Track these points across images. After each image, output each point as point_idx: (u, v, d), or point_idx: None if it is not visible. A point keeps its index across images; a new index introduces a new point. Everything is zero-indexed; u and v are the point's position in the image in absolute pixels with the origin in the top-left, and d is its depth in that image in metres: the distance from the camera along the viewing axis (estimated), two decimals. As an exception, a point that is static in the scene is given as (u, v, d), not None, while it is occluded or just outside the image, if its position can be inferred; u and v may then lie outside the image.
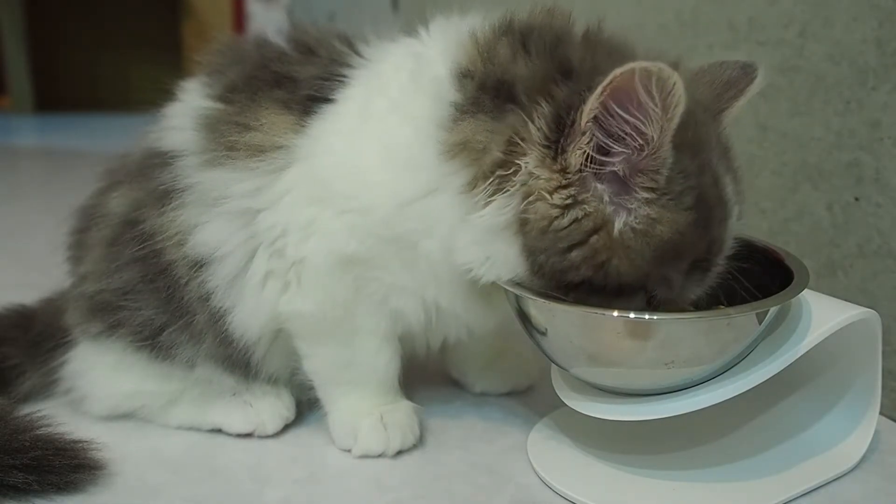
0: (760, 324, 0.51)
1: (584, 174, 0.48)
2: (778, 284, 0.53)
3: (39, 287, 0.75)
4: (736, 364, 0.53)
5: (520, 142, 0.49)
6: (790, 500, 0.53)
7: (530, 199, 0.49)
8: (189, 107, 0.61)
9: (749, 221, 0.82)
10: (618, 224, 0.48)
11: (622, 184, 0.48)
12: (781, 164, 0.77)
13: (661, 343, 0.50)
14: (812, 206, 0.74)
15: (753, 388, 0.52)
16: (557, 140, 0.48)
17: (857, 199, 0.69)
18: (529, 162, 0.49)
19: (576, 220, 0.48)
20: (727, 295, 0.61)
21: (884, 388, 0.58)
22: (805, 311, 0.55)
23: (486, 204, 0.50)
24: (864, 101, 0.68)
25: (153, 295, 0.60)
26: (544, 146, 0.49)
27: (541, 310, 0.53)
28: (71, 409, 0.65)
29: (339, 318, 0.58)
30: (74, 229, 0.67)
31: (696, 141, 0.50)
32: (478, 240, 0.51)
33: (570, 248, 0.49)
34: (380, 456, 0.59)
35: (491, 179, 0.50)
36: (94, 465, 0.56)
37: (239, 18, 3.47)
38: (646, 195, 0.48)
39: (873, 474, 0.57)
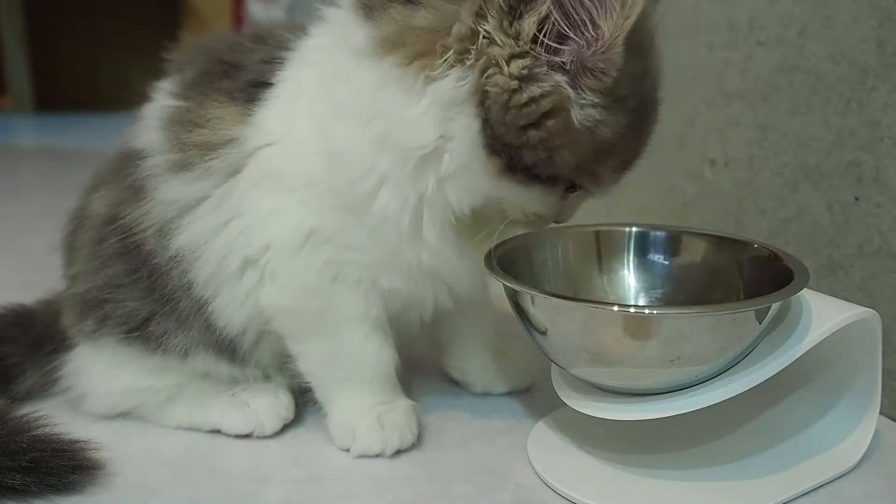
0: (761, 322, 0.51)
1: (539, 49, 0.48)
2: (777, 285, 0.53)
3: (40, 287, 0.75)
4: (736, 363, 0.53)
5: (483, 8, 0.48)
6: (790, 500, 0.53)
7: (489, 71, 0.49)
8: (157, 106, 0.62)
9: (749, 221, 0.82)
10: (572, 114, 0.49)
11: (572, 77, 0.49)
12: (781, 164, 0.77)
13: (665, 339, 0.50)
14: (812, 206, 0.74)
15: (753, 387, 0.52)
16: (518, 6, 0.48)
17: (857, 199, 0.69)
18: (489, 26, 0.48)
19: (533, 99, 0.48)
20: (726, 296, 0.62)
21: (884, 388, 0.58)
22: (805, 310, 0.55)
23: (445, 76, 0.49)
24: (864, 101, 0.68)
25: (136, 285, 0.60)
26: (504, 11, 0.48)
27: (542, 306, 0.53)
28: (70, 408, 0.65)
29: (318, 309, 0.58)
30: (66, 232, 0.67)
31: (645, 43, 0.50)
32: (435, 114, 0.50)
33: (527, 128, 0.49)
34: (378, 456, 0.59)
35: (451, 52, 0.49)
36: (93, 466, 0.56)
37: (239, 18, 3.47)
38: (592, 95, 0.49)
39: (873, 474, 0.57)
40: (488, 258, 0.58)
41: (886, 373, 0.62)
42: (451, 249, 0.57)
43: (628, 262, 0.65)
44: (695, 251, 0.64)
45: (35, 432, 0.57)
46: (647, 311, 0.52)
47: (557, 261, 0.66)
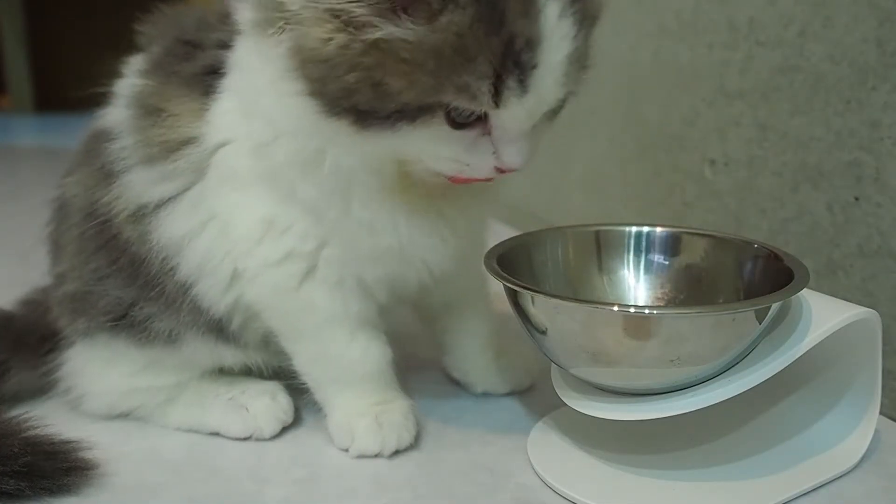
0: (761, 322, 0.51)
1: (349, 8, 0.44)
2: (777, 285, 0.53)
3: (40, 286, 0.75)
4: (736, 363, 0.53)
5: None
6: (790, 500, 0.53)
7: (301, 33, 0.46)
8: (127, 83, 0.61)
9: (749, 221, 0.82)
10: (382, 36, 0.44)
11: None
12: (781, 164, 0.77)
13: (665, 339, 0.50)
14: (812, 206, 0.74)
15: (753, 387, 0.52)
16: None
17: (857, 199, 0.69)
18: None
19: (343, 46, 0.45)
20: (726, 296, 0.62)
21: (884, 388, 0.58)
22: (805, 310, 0.55)
23: (276, 46, 0.48)
24: (864, 101, 0.68)
25: (119, 275, 0.60)
26: None
27: (542, 306, 0.53)
28: (67, 409, 0.65)
29: (297, 309, 0.58)
30: (49, 225, 0.66)
31: None
32: (275, 86, 0.49)
33: (346, 73, 0.45)
34: (376, 456, 0.59)
35: (282, 21, 0.47)
36: (87, 467, 0.55)
37: (239, 18, 3.46)
38: (413, 14, 0.44)
39: (873, 474, 0.57)
40: (488, 258, 0.58)
41: (886, 373, 0.62)
42: (420, 231, 0.55)
43: (628, 262, 0.65)
44: (695, 251, 0.64)
45: (26, 434, 0.56)
46: (646, 311, 0.52)
47: (557, 261, 0.66)
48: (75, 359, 0.64)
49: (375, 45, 0.45)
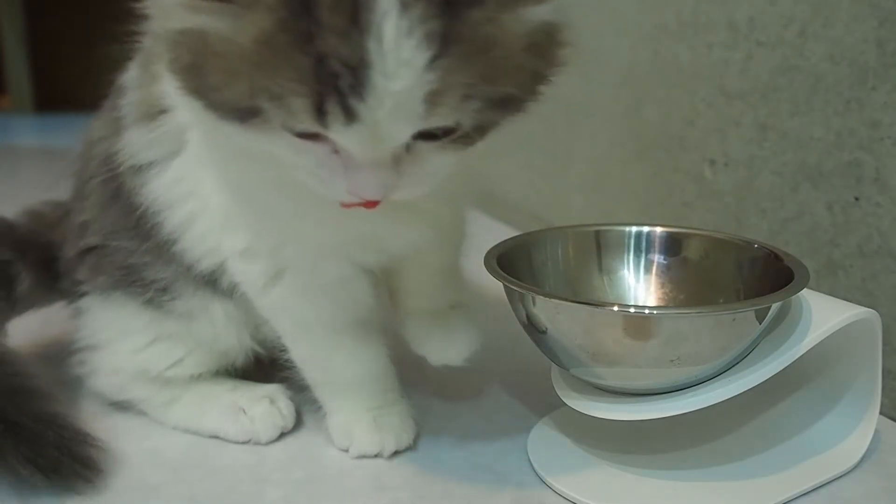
0: (761, 322, 0.51)
1: None
2: (777, 285, 0.53)
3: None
4: (736, 363, 0.53)
5: None
6: (790, 500, 0.53)
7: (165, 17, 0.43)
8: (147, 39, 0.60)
9: (749, 221, 0.82)
10: (191, 25, 0.40)
11: None
12: (781, 164, 0.77)
13: (665, 339, 0.50)
14: (812, 206, 0.74)
15: (753, 387, 0.52)
16: None
17: (857, 199, 0.69)
18: None
19: (181, 34, 0.41)
20: (726, 296, 0.62)
21: (884, 388, 0.58)
22: (805, 310, 0.55)
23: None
24: (864, 101, 0.68)
25: (126, 225, 0.60)
26: None
27: (542, 306, 0.53)
28: (67, 402, 0.65)
29: (275, 310, 0.58)
30: (76, 159, 0.67)
31: None
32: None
33: (183, 54, 0.41)
34: (376, 456, 0.59)
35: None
36: (98, 469, 0.55)
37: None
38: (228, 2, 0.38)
39: (873, 474, 0.57)
40: (488, 258, 0.58)
41: (886, 373, 0.62)
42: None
43: (628, 262, 0.65)
44: (695, 251, 0.64)
45: (60, 423, 0.56)
46: (646, 311, 0.52)
47: (557, 261, 0.66)
48: (91, 322, 0.64)
49: (188, 31, 0.40)
